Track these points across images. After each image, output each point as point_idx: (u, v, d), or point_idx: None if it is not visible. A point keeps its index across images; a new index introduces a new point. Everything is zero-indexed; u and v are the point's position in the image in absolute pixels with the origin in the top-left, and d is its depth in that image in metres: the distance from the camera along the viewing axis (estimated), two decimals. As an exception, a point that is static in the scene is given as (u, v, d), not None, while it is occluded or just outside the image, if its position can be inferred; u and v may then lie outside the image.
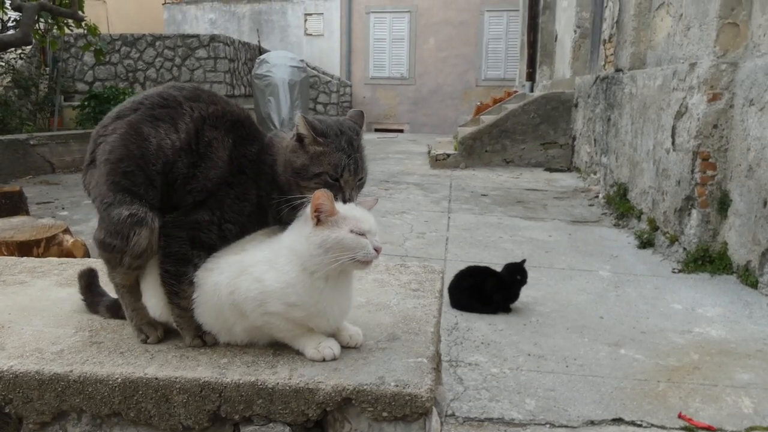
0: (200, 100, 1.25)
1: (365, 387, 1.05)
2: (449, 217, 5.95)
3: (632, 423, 2.52)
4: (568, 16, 9.95)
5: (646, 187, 5.48)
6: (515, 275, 3.60)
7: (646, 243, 5.00)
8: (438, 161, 9.28)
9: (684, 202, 4.57)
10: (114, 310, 1.38)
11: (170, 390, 1.09)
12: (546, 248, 4.94)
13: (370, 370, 1.10)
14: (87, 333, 1.28)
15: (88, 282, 1.42)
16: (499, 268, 3.70)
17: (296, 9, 17.28)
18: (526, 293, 3.71)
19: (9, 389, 1.12)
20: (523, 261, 3.66)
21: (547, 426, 2.51)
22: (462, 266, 3.81)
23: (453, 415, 2.54)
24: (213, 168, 1.21)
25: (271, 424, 1.07)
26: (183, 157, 1.20)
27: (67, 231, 3.64)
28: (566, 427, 2.51)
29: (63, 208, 6.25)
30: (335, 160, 1.17)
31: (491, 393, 2.75)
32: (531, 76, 11.96)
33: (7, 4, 7.18)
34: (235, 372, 1.10)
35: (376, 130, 16.69)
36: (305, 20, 17.27)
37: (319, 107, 15.82)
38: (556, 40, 11.20)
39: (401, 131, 16.54)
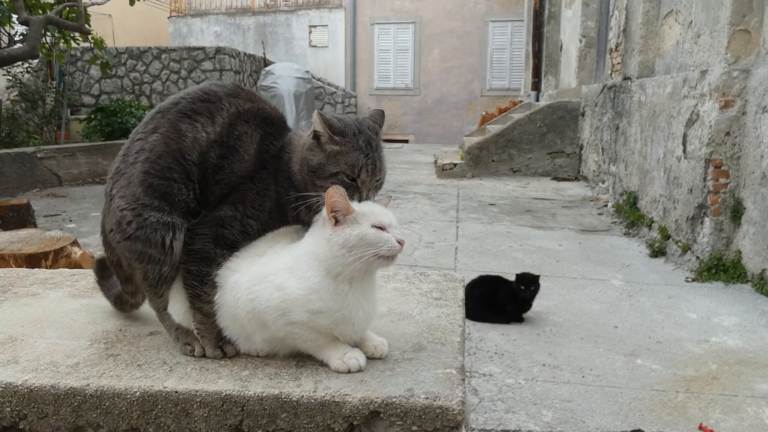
0: (239, 96, 1.25)
1: (394, 400, 1.01)
2: (458, 227, 5.91)
3: (652, 435, 2.47)
4: (573, 25, 9.96)
5: (656, 195, 5.43)
6: (528, 285, 3.56)
7: (657, 252, 4.95)
8: (444, 171, 9.26)
9: (696, 211, 4.52)
10: (119, 303, 1.40)
11: (191, 404, 1.05)
12: (556, 257, 4.89)
13: (398, 382, 1.06)
14: (102, 345, 1.24)
15: (102, 265, 1.44)
16: (510, 278, 3.66)
17: (301, 21, 17.36)
18: (538, 303, 3.67)
19: (24, 404, 1.08)
20: (538, 276, 3.61)
21: (566, 438, 2.46)
22: (473, 276, 3.77)
23: (469, 427, 2.49)
24: (240, 161, 1.20)
25: (295, 439, 1.03)
26: (215, 147, 1.20)
27: (75, 243, 3.62)
28: (585, 439, 2.47)
29: (70, 221, 6.24)
30: (352, 160, 1.15)
31: (507, 404, 2.70)
32: (536, 86, 11.96)
33: (14, 18, 7.22)
34: (258, 385, 1.06)
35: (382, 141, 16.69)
36: (310, 32, 17.35)
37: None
38: (561, 50, 11.20)
39: (406, 141, 16.54)
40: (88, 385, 1.08)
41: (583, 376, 2.94)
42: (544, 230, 5.83)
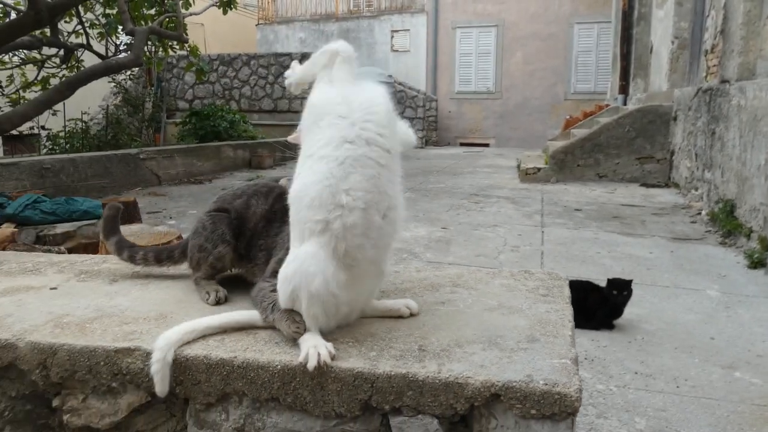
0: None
1: (514, 384, 1.08)
2: (543, 231, 5.86)
3: (753, 449, 2.40)
4: (665, 26, 9.61)
5: (756, 203, 5.19)
6: (620, 291, 3.51)
7: (757, 263, 4.73)
8: (528, 175, 9.16)
9: (802, 220, 4.29)
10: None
11: (325, 378, 1.16)
12: (647, 265, 4.77)
13: (517, 369, 1.13)
14: (241, 325, 1.38)
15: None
16: (598, 284, 3.62)
17: (383, 26, 17.62)
18: (629, 310, 3.60)
19: (180, 371, 1.23)
20: (630, 281, 3.56)
21: (661, 446, 2.44)
22: (562, 282, 3.74)
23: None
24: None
25: (419, 416, 1.13)
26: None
27: (180, 238, 3.88)
28: (681, 448, 2.43)
29: (170, 218, 6.65)
30: None
31: (598, 410, 2.69)
32: (624, 89, 11.60)
33: (119, 29, 7.77)
34: (386, 364, 1.16)
35: (462, 144, 16.67)
36: (392, 37, 17.57)
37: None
38: (651, 52, 10.82)
39: (487, 145, 16.44)
40: (235, 357, 1.21)
41: (677, 386, 2.89)
42: (634, 237, 5.68)
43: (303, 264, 1.22)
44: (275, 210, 1.52)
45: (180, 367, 1.23)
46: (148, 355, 1.25)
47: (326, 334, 1.27)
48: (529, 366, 1.14)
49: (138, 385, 1.28)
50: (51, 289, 1.67)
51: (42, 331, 1.37)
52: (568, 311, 1.40)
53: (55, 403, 1.35)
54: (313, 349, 1.17)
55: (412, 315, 1.40)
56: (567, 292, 1.53)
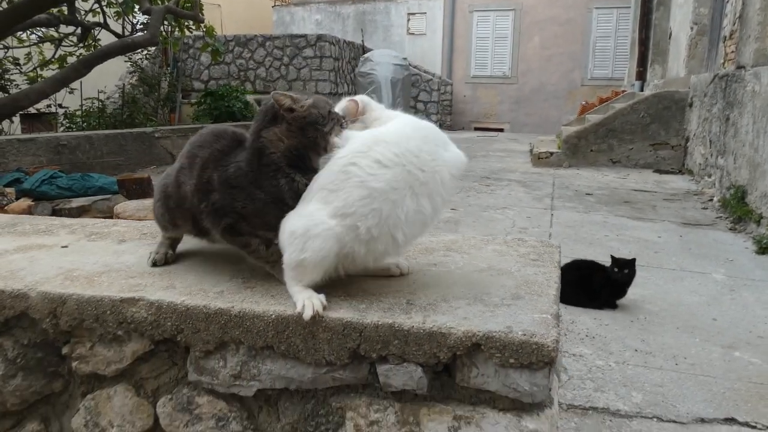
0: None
1: (494, 334, 1.13)
2: (552, 214, 5.88)
3: (746, 424, 2.44)
4: (685, 12, 9.49)
5: (767, 190, 5.16)
6: (623, 270, 3.54)
7: (765, 248, 4.72)
8: (540, 159, 9.15)
9: (812, 205, 4.28)
10: None
11: (317, 327, 1.22)
12: (655, 248, 4.78)
13: (498, 321, 1.18)
14: (240, 279, 1.45)
15: None
16: (602, 264, 3.64)
17: (399, 9, 17.54)
18: (633, 291, 3.63)
19: (181, 320, 1.30)
20: (633, 259, 3.58)
21: (655, 420, 2.48)
22: (566, 262, 3.77)
23: (559, 372, 2.56)
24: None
25: (405, 364, 1.18)
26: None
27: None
28: (675, 422, 2.47)
29: (184, 194, 6.73)
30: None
31: (596, 384, 2.74)
32: (641, 75, 11.49)
33: (136, 8, 7.83)
34: (374, 315, 1.22)
35: (476, 129, 16.62)
36: (408, 19, 17.50)
37: (420, 105, 15.96)
38: (670, 38, 10.69)
39: (501, 130, 16.37)
40: (232, 307, 1.28)
41: (676, 364, 2.92)
42: (643, 221, 5.69)
43: (324, 243, 1.24)
44: (206, 179, 1.40)
45: (181, 315, 1.30)
46: (151, 304, 1.32)
47: (319, 287, 1.32)
48: (510, 319, 1.19)
49: (142, 334, 1.35)
50: (62, 247, 1.75)
51: (53, 282, 1.45)
52: (555, 274, 1.44)
53: (65, 350, 1.42)
54: (308, 300, 1.24)
55: (402, 274, 1.45)
56: (557, 257, 1.57)
